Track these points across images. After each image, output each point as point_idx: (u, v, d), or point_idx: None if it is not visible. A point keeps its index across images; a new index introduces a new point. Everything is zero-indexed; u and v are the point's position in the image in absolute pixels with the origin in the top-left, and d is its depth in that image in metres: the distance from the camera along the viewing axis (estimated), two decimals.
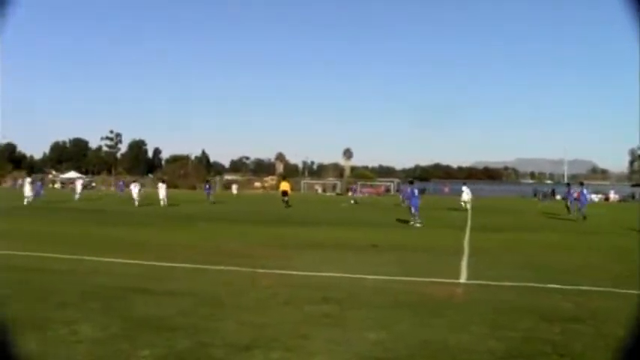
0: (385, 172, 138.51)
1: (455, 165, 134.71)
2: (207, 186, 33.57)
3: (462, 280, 7.63)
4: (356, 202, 35.07)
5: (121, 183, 38.36)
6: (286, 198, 29.04)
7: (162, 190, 28.37)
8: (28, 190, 26.45)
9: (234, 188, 48.72)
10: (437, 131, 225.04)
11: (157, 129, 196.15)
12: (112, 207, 25.98)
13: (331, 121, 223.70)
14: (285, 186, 30.32)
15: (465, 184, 31.02)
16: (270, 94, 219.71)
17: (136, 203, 26.92)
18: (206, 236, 13.25)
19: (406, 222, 17.84)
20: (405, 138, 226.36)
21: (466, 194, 28.68)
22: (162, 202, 27.40)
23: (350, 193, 39.19)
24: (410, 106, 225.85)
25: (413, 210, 17.92)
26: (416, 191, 18.61)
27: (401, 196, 18.65)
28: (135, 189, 28.43)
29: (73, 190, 34.40)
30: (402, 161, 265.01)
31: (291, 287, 6.80)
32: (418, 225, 17.14)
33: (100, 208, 24.44)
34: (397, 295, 6.46)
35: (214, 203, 30.58)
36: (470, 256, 10.06)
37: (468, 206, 27.78)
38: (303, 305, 5.77)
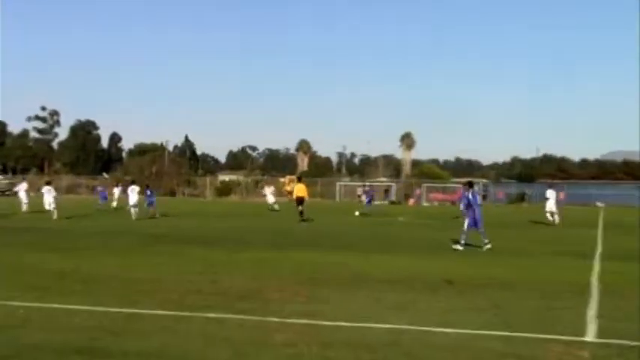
0: (466, 168, 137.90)
1: (576, 157, 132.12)
2: (149, 192, 34.60)
3: (589, 337, 7.50)
4: (363, 215, 35.39)
5: (100, 188, 40.56)
6: (301, 207, 29.68)
7: (132, 195, 30.10)
8: None
9: (270, 194, 43.45)
10: (545, 105, 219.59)
11: (114, 106, 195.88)
12: (64, 224, 26.63)
13: (380, 92, 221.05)
14: (301, 190, 30.88)
15: (550, 186, 31.68)
16: (286, 55, 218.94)
17: (55, 216, 28.50)
18: (195, 267, 13.41)
19: (477, 245, 17.78)
20: (496, 116, 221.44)
21: (552, 201, 29.53)
22: (133, 214, 29.19)
23: (363, 197, 38.97)
24: (499, 68, 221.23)
25: (465, 225, 18.35)
26: (478, 198, 19.21)
27: (462, 206, 18.93)
28: (48, 195, 29.81)
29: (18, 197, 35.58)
30: (492, 152, 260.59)
31: (323, 345, 6.80)
32: (459, 247, 17.64)
33: (44, 227, 25.06)
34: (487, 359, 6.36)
35: (154, 217, 30.95)
36: (601, 299, 9.89)
37: (556, 218, 29.17)
38: None
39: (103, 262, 14.10)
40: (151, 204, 32.87)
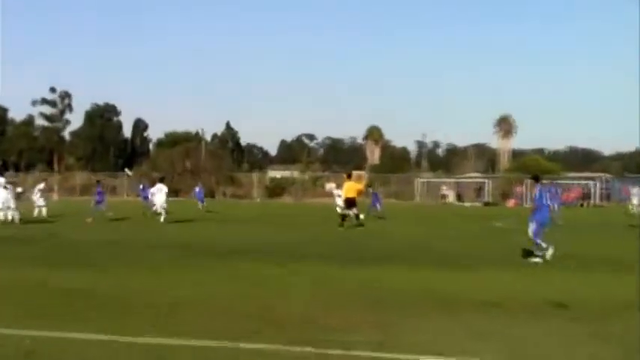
0: (582, 159, 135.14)
1: None
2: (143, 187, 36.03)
3: None
4: (381, 218, 36.20)
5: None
6: (355, 210, 30.05)
7: (160, 196, 31.84)
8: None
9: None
10: None
11: (138, 86, 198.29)
12: (80, 234, 27.30)
13: (470, 66, 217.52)
14: (351, 190, 30.96)
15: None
16: (347, 23, 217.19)
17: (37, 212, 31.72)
18: (241, 285, 13.58)
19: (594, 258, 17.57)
20: (617, 97, 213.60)
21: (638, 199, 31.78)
22: (162, 217, 31.01)
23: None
24: (621, 37, 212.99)
25: (532, 230, 18.33)
26: (546, 195, 19.18)
27: (555, 206, 19.11)
28: (48, 195, 32.00)
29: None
30: (615, 140, 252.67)
31: None
32: (537, 260, 17.66)
33: (54, 236, 25.75)
34: None
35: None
36: None
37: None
38: None
39: (128, 279, 14.34)
40: (145, 198, 34.65)
